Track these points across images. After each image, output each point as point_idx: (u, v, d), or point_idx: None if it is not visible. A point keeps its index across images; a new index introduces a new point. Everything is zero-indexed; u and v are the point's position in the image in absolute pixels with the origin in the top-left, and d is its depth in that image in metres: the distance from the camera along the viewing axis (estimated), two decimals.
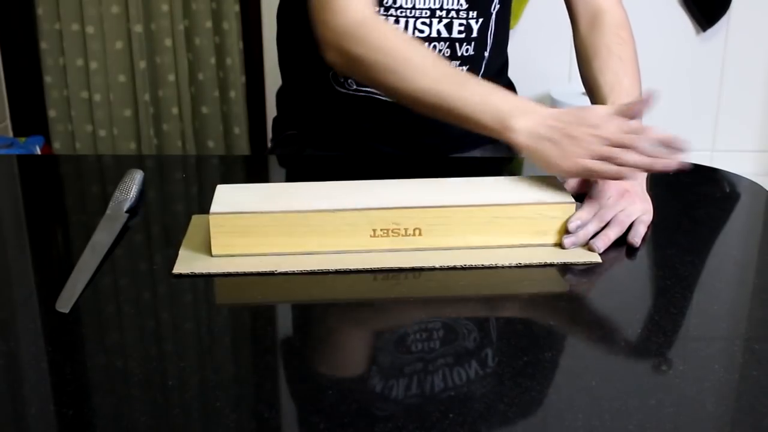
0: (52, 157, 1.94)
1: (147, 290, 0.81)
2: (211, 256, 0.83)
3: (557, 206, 0.84)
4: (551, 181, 0.89)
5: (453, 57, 1.16)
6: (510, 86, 1.33)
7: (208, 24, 2.45)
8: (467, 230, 0.84)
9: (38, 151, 2.43)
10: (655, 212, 0.91)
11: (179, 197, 1.05)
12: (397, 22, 1.12)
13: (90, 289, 0.80)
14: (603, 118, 0.87)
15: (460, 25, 1.14)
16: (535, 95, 2.54)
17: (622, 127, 0.86)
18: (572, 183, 0.94)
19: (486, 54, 1.19)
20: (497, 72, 1.25)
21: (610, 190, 0.90)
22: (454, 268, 0.81)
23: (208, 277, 0.80)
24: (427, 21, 1.13)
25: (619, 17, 1.13)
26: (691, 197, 1.03)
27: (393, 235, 0.83)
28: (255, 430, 0.60)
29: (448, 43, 1.15)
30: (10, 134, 2.56)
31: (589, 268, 0.82)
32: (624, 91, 1.03)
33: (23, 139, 2.45)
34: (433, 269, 0.81)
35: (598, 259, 0.83)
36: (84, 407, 0.61)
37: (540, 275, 0.81)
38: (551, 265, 0.82)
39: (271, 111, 2.60)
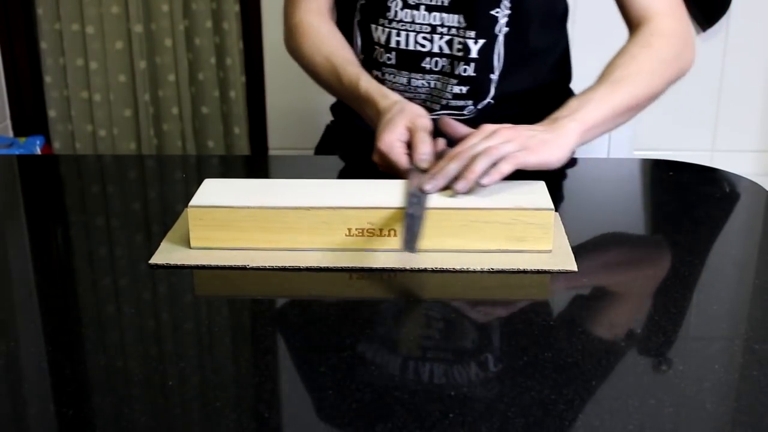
0: (52, 157, 1.94)
1: (147, 290, 0.81)
2: (190, 248, 0.84)
3: (535, 212, 0.83)
4: (531, 187, 0.88)
5: (452, 75, 1.16)
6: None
7: (208, 24, 2.45)
8: (443, 233, 0.83)
9: (38, 151, 2.43)
10: (655, 212, 0.91)
11: (179, 197, 1.05)
12: (398, 35, 1.14)
13: (89, 290, 0.80)
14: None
15: (459, 43, 1.14)
16: None
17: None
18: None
19: (493, 77, 1.16)
20: (533, 98, 1.21)
21: (482, 131, 0.92)
22: (426, 270, 0.81)
23: (183, 269, 0.82)
24: (428, 36, 1.14)
25: (658, 26, 1.11)
26: (691, 197, 1.03)
27: (368, 235, 0.83)
28: (255, 430, 0.60)
29: (448, 59, 1.15)
30: (10, 134, 2.56)
31: (588, 268, 0.82)
32: (608, 83, 1.03)
33: (23, 139, 2.45)
34: (404, 270, 0.81)
35: (575, 268, 0.81)
36: (84, 407, 0.61)
37: (531, 277, 0.81)
38: (526, 271, 0.81)
39: (272, 111, 2.61)
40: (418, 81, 1.18)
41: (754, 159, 2.63)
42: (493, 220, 0.83)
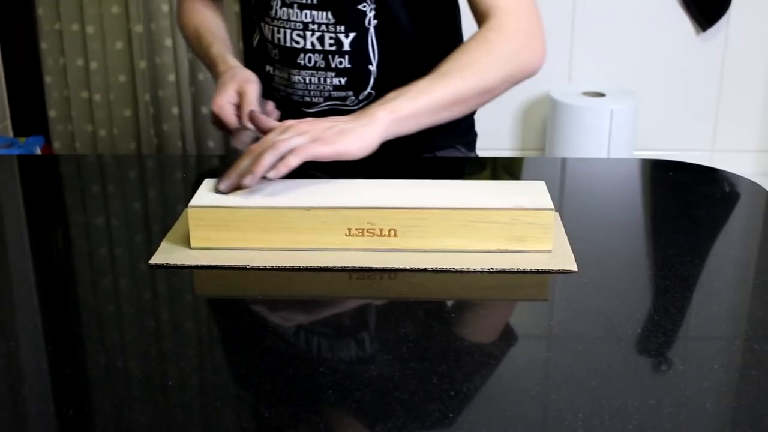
0: (52, 157, 1.94)
1: (147, 290, 0.81)
2: (190, 248, 0.84)
3: (535, 212, 0.83)
4: (532, 187, 0.88)
5: (328, 69, 1.19)
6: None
7: None
8: (443, 233, 0.83)
9: (38, 151, 2.43)
10: (655, 212, 0.91)
11: (179, 197, 1.05)
12: (278, 32, 1.19)
13: (89, 290, 0.80)
14: None
15: (331, 38, 1.17)
16: (534, 95, 2.54)
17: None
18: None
19: (372, 68, 1.19)
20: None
21: (281, 127, 0.94)
22: (426, 270, 0.81)
23: (183, 269, 0.82)
24: (301, 33, 1.17)
25: (499, 22, 1.07)
26: (691, 197, 1.03)
27: (368, 235, 0.83)
28: (255, 430, 0.60)
29: (321, 54, 1.18)
30: (10, 134, 2.56)
31: (588, 268, 0.82)
32: (434, 75, 1.01)
33: (23, 139, 2.45)
34: (404, 270, 0.81)
35: (574, 268, 0.81)
36: (84, 407, 0.61)
37: (531, 277, 0.81)
38: (526, 271, 0.81)
39: None
40: (296, 77, 1.21)
41: (754, 159, 2.63)
42: (493, 220, 0.83)
